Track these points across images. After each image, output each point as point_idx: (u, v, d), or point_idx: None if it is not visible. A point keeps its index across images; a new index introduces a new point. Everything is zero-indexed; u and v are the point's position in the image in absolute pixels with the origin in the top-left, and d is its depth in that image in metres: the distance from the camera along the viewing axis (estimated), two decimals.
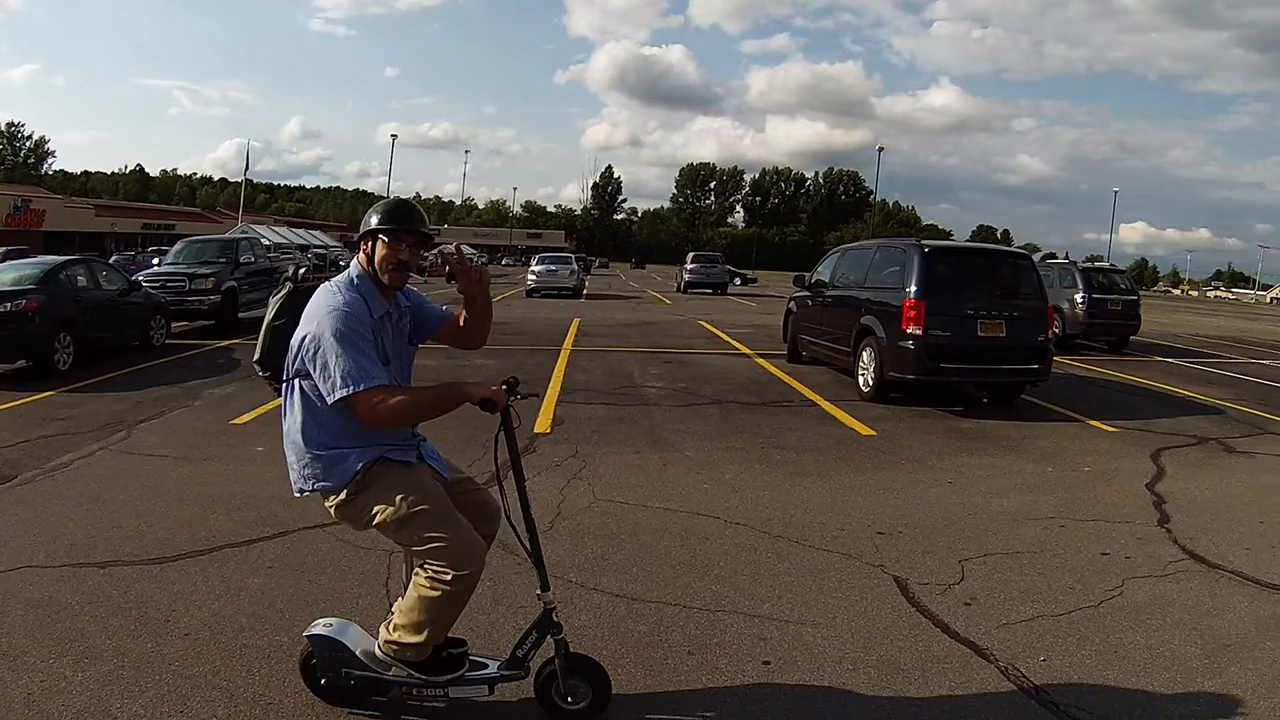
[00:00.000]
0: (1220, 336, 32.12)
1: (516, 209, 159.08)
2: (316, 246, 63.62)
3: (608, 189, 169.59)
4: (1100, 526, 7.24)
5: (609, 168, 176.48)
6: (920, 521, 7.02)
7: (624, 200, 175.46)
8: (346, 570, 5.59)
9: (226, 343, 17.11)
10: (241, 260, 21.49)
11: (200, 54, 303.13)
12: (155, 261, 27.45)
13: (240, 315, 20.30)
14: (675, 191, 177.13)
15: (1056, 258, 27.61)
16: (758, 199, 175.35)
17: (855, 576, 5.77)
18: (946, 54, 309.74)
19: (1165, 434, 11.21)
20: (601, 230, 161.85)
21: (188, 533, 6.15)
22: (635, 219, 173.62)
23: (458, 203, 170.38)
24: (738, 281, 59.84)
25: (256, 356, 4.01)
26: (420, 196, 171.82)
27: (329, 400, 3.62)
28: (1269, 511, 8.02)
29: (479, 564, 3.79)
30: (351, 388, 3.56)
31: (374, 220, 3.82)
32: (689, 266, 50.29)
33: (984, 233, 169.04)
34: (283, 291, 4.04)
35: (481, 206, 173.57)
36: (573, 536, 6.21)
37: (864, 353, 12.74)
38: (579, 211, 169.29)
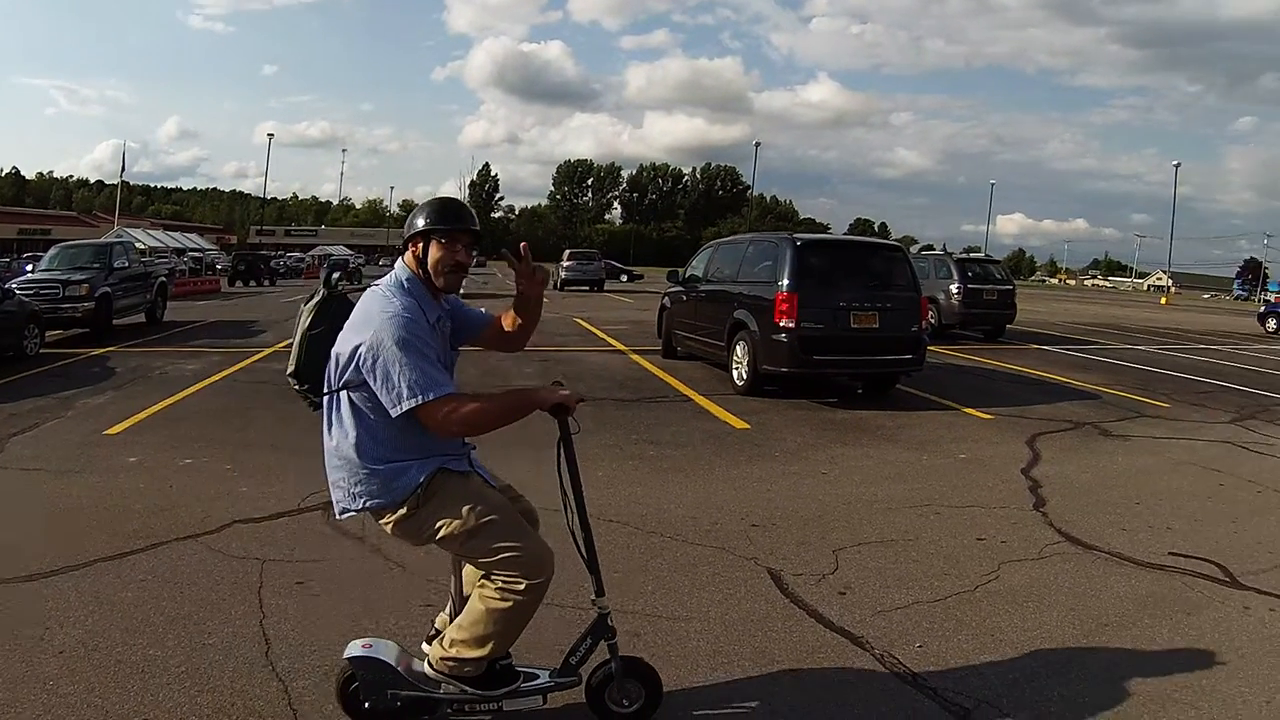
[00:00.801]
0: (1097, 323, 33.05)
1: (394, 209, 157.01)
2: (192, 250, 62.31)
3: (485, 187, 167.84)
4: (976, 512, 7.31)
5: (486, 165, 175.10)
6: (794, 513, 7.00)
7: (501, 198, 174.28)
8: (219, 580, 5.37)
9: (101, 351, 16.44)
10: (116, 265, 20.75)
11: (78, 51, 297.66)
12: (29, 268, 26.65)
13: (115, 322, 19.73)
14: (553, 189, 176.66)
15: (934, 249, 28.18)
16: (635, 195, 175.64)
17: (729, 570, 5.73)
18: (825, 49, 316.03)
19: (1041, 419, 11.42)
20: (480, 229, 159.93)
21: (60, 547, 5.84)
22: (513, 217, 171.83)
23: (335, 203, 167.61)
24: (624, 279, 60.06)
25: (291, 369, 3.83)
26: (297, 197, 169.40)
27: (394, 411, 3.44)
28: (1144, 492, 8.19)
29: (550, 571, 3.71)
30: (420, 397, 3.39)
31: (426, 220, 3.67)
32: (565, 264, 50.54)
33: (862, 226, 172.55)
34: (317, 298, 3.86)
35: (359, 206, 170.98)
36: None
37: (738, 346, 12.73)
38: None
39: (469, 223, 3.75)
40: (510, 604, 3.59)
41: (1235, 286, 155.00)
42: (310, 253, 79.29)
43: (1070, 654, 4.79)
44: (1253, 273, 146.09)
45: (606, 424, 10.05)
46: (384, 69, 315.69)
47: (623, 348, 18.04)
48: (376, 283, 3.69)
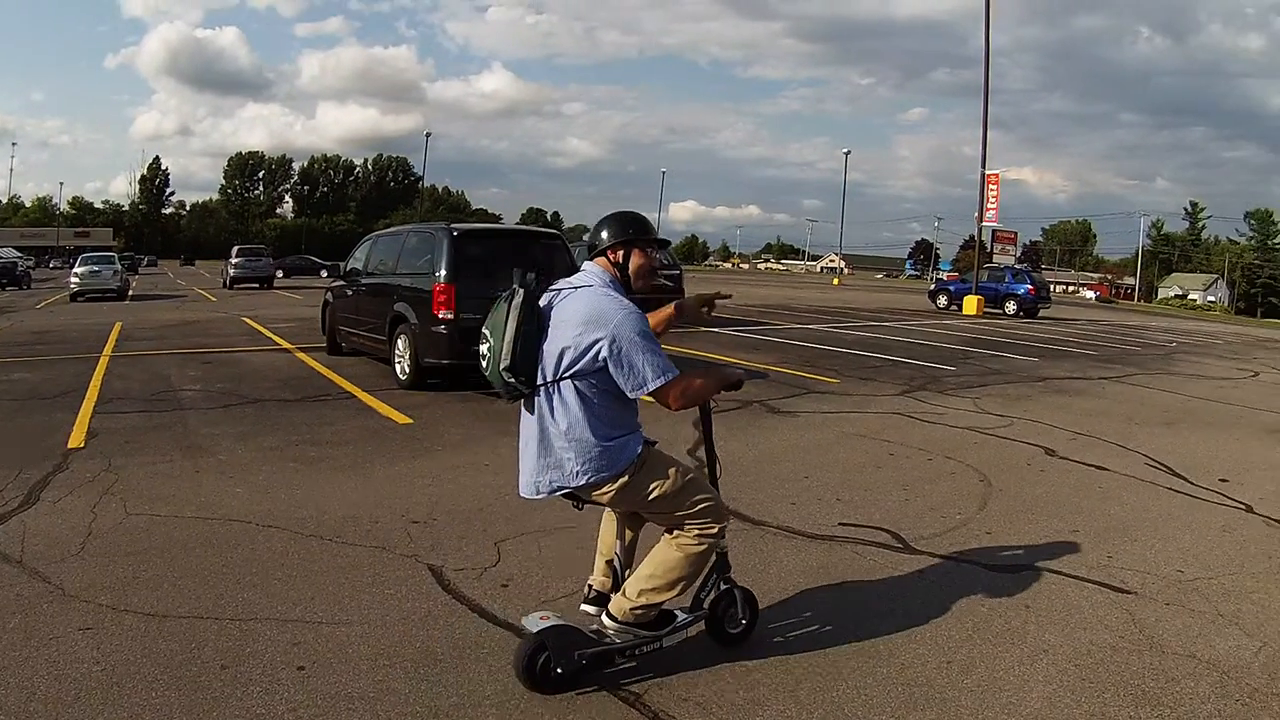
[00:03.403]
0: (768, 305, 34.61)
1: (64, 206, 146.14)
2: None
3: (156, 182, 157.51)
4: None
5: (157, 159, 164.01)
6: (456, 507, 7.08)
7: (172, 193, 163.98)
8: None
9: None
10: None
11: None
12: None
13: None
14: (224, 182, 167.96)
15: None
16: (307, 188, 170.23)
17: (389, 569, 5.71)
18: (501, 39, 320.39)
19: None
20: (151, 226, 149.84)
21: None
22: (184, 213, 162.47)
23: (4, 201, 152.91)
24: (323, 274, 59.14)
25: (507, 364, 4.14)
26: None
27: (637, 393, 4.09)
28: (813, 466, 8.75)
29: (729, 516, 4.55)
30: (664, 378, 4.05)
31: (630, 232, 4.35)
32: (234, 261, 49.34)
33: (534, 215, 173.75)
34: (519, 298, 4.18)
35: (29, 205, 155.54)
36: (103, 557, 5.79)
37: (399, 340, 12.79)
38: (127, 207, 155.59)
39: (656, 233, 4.49)
40: (704, 547, 4.33)
41: (907, 267, 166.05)
42: None
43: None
44: (924, 253, 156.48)
45: (268, 426, 9.96)
46: (55, 54, 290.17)
47: (289, 346, 17.73)
48: (573, 285, 4.32)
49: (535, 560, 5.99)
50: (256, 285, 47.96)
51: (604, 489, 4.22)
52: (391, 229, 17.19)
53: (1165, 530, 7.31)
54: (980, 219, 45.25)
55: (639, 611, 4.30)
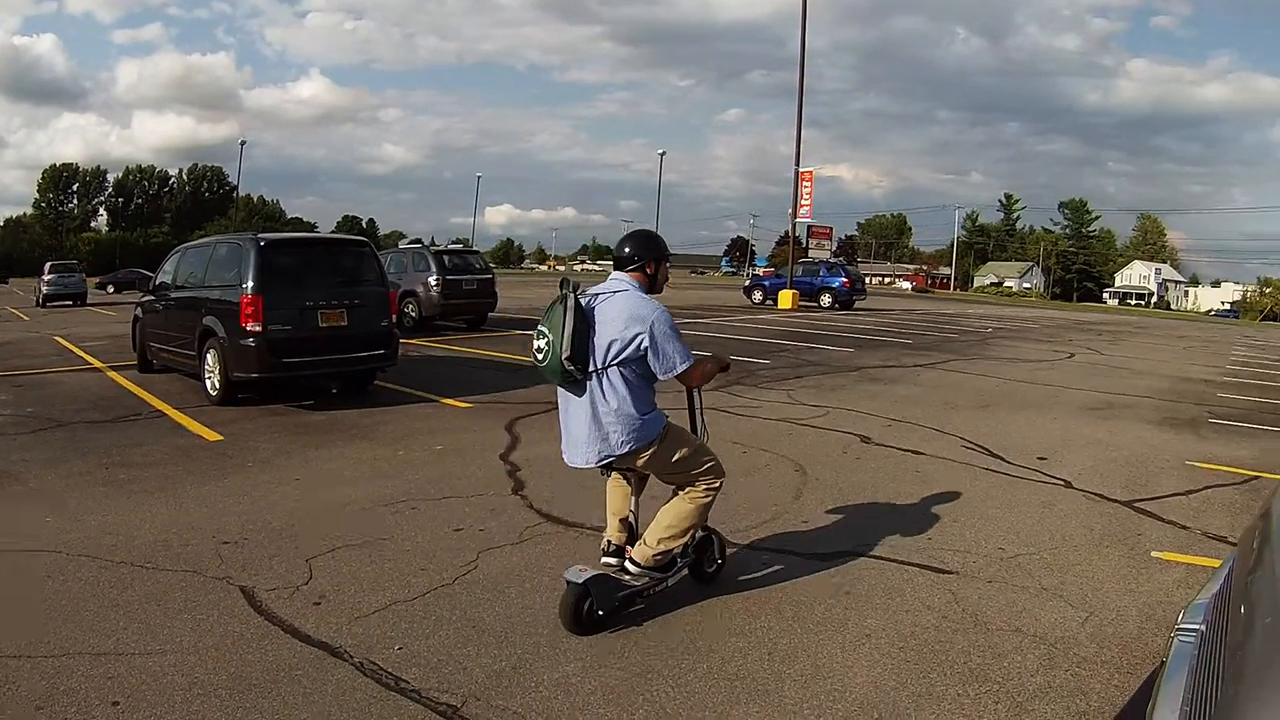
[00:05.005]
0: None
1: None
2: None
3: None
4: (454, 503, 7.50)
5: None
6: (267, 524, 6.90)
7: None
8: None
9: None
10: None
11: None
12: None
13: None
14: (38, 196, 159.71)
15: (422, 243, 28.60)
16: (121, 200, 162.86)
17: (201, 593, 5.51)
18: (319, 45, 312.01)
19: (521, 404, 12.09)
20: None
21: None
22: None
23: None
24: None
25: (568, 354, 5.03)
26: None
27: (668, 375, 5.18)
28: None
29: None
30: (689, 362, 5.19)
31: (661, 250, 5.49)
32: (46, 278, 47.14)
33: (349, 223, 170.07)
34: (570, 301, 5.09)
35: None
36: None
37: (208, 355, 12.41)
38: None
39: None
40: (710, 499, 5.42)
41: (723, 263, 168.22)
42: None
43: (558, 635, 4.97)
44: (740, 250, 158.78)
45: (79, 450, 9.54)
46: None
47: (101, 365, 16.93)
48: (610, 290, 5.29)
49: (348, 575, 5.88)
50: (70, 302, 45.88)
51: (641, 455, 5.21)
52: (200, 240, 16.56)
53: (984, 510, 7.64)
54: (794, 215, 46.32)
55: (659, 556, 5.30)
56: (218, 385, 12.21)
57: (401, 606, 5.36)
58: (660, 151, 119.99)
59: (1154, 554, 6.68)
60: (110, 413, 11.83)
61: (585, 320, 5.11)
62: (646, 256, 5.37)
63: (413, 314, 23.24)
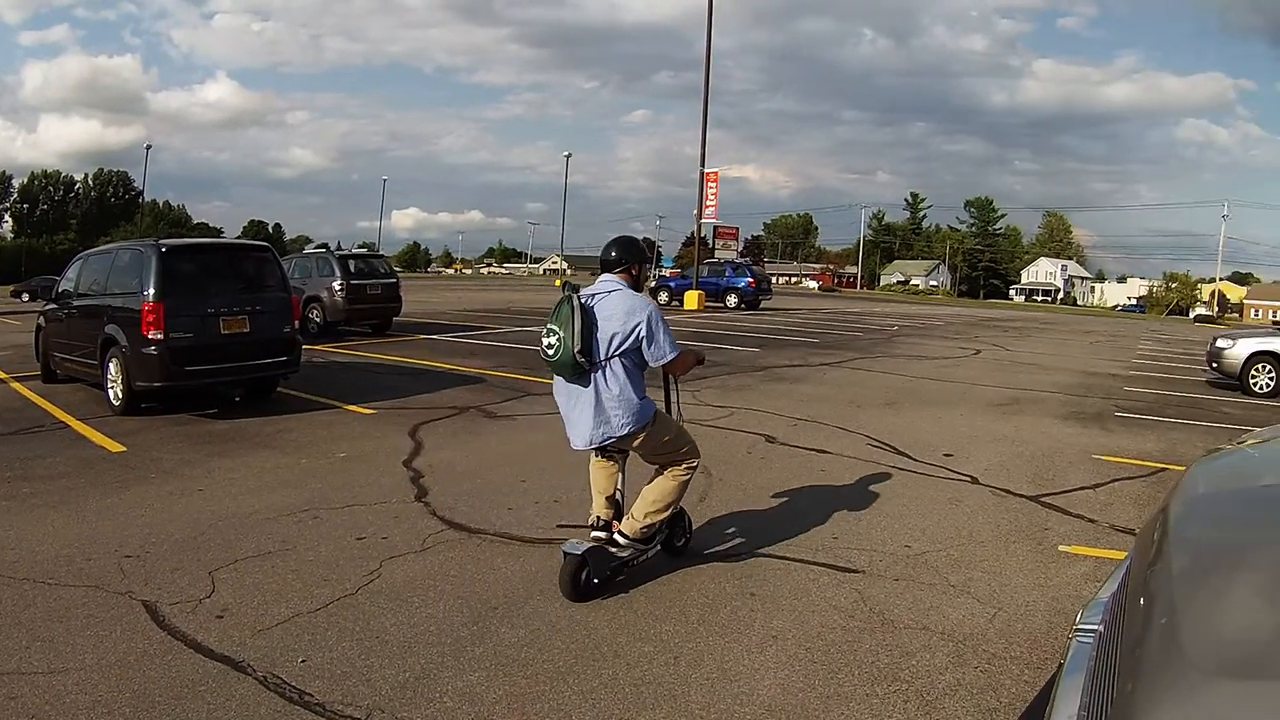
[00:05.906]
0: (489, 309, 34.56)
1: None
2: None
3: None
4: (357, 511, 7.48)
5: None
6: (170, 537, 6.81)
7: None
8: None
9: None
10: None
11: None
12: None
13: None
14: None
15: (328, 247, 28.42)
16: (26, 206, 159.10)
17: (103, 609, 5.41)
18: (226, 47, 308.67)
19: (424, 409, 12.04)
20: None
21: None
22: None
23: None
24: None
25: (579, 347, 5.64)
26: None
27: (660, 362, 5.89)
28: (531, 470, 8.88)
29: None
30: (677, 352, 5.91)
31: (640, 252, 6.15)
32: None
33: (256, 228, 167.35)
34: (576, 301, 5.72)
35: None
36: None
37: (111, 364, 12.21)
38: None
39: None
40: (689, 476, 6.11)
41: None
42: None
43: (461, 643, 4.99)
44: (647, 251, 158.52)
45: None
46: None
47: (4, 375, 16.41)
48: (606, 290, 5.89)
49: (251, 587, 5.84)
50: None
51: (637, 436, 5.87)
52: (102, 247, 16.26)
53: (891, 508, 7.82)
54: (700, 215, 46.72)
55: (645, 529, 5.92)
56: (121, 395, 12.03)
57: (305, 618, 5.32)
58: (566, 154, 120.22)
59: (1061, 548, 6.92)
60: (12, 425, 11.55)
61: (589, 317, 5.73)
62: (631, 260, 6.01)
63: (317, 319, 23.09)
